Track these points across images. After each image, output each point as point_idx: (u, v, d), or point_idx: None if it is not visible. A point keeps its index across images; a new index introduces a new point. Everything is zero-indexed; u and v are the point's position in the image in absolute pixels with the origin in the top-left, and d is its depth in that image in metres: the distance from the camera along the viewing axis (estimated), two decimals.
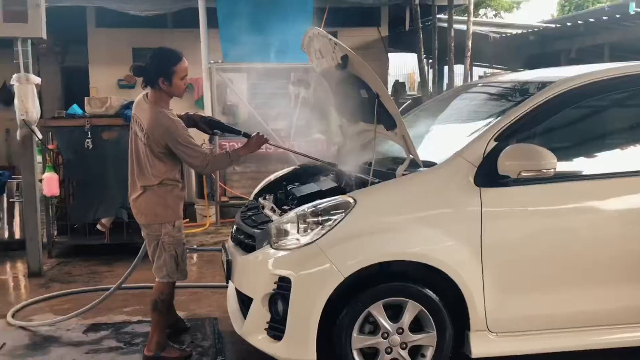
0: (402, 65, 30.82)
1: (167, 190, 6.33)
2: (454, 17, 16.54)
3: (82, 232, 11.01)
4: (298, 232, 5.65)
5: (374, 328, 5.57)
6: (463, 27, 16.89)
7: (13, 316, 7.68)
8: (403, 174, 5.72)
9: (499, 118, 5.84)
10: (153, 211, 6.35)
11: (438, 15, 16.69)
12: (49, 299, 8.46)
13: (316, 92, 13.80)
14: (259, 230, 6.09)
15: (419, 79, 19.01)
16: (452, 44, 16.14)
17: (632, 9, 14.86)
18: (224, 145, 12.75)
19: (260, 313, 5.69)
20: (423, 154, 5.92)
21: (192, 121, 6.79)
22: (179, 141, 6.13)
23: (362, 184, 5.98)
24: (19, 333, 7.34)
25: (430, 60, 18.31)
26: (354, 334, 5.50)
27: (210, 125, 6.93)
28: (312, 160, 7.38)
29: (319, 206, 5.67)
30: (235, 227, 6.76)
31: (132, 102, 10.40)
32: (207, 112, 13.46)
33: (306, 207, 5.73)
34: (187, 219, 9.55)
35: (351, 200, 5.55)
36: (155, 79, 6.18)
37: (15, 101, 9.27)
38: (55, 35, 17.90)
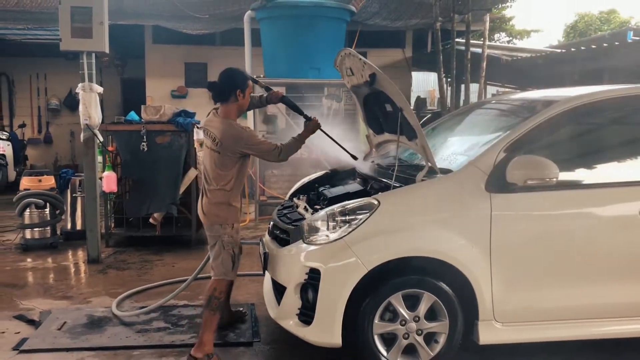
0: (424, 83, 30.71)
1: (230, 195, 6.22)
2: (471, 41, 16.46)
3: (136, 225, 11.11)
4: (328, 229, 5.69)
5: (393, 316, 5.60)
6: (479, 50, 16.83)
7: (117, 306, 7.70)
8: (422, 180, 5.73)
9: (509, 132, 5.84)
10: (215, 213, 6.23)
11: (457, 39, 16.61)
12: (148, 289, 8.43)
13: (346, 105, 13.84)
14: (293, 227, 6.12)
15: (438, 96, 18.95)
16: (469, 65, 16.07)
17: (630, 37, 14.79)
18: None
19: (292, 300, 5.74)
20: (440, 162, 5.97)
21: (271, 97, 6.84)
22: (249, 145, 6.12)
23: (386, 187, 6.00)
24: (78, 313, 7.40)
25: (449, 79, 18.24)
26: (376, 320, 5.54)
27: (282, 101, 6.86)
28: (341, 165, 7.38)
29: (346, 206, 5.70)
30: (272, 223, 6.78)
31: (183, 111, 10.56)
32: (249, 121, 13.49)
33: (335, 207, 5.77)
34: None
35: (375, 202, 5.58)
36: (231, 92, 6.19)
37: (80, 107, 9.36)
38: (117, 50, 18.09)
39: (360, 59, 6.25)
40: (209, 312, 6.19)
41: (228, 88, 6.23)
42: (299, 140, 6.48)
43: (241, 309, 7.30)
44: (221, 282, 6.27)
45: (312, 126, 6.58)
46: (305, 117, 6.79)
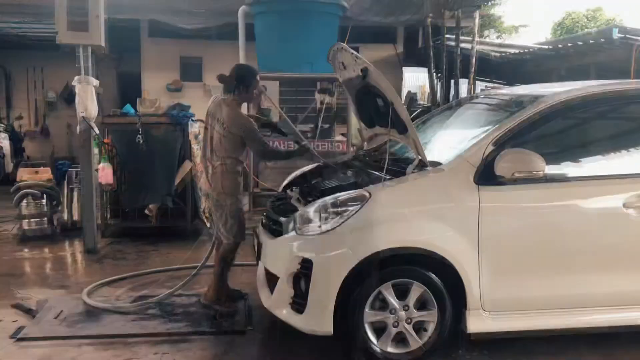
0: (415, 79, 30.67)
1: (234, 170, 6.94)
2: (461, 38, 16.49)
3: (131, 216, 11.08)
4: (320, 220, 5.72)
5: (383, 305, 5.64)
6: (468, 46, 16.83)
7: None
8: (412, 173, 5.76)
9: (497, 126, 5.88)
10: (221, 185, 6.90)
11: (447, 36, 16.61)
12: (127, 278, 8.51)
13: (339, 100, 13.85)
14: (286, 218, 6.16)
15: (428, 91, 18.96)
16: (459, 61, 16.10)
17: (615, 34, 14.78)
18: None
19: (285, 290, 5.77)
20: (430, 156, 5.98)
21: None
22: (250, 136, 6.88)
23: (377, 180, 6.02)
24: (75, 302, 7.42)
25: (439, 75, 18.25)
26: (366, 309, 5.58)
27: (268, 126, 7.99)
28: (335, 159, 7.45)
29: (338, 198, 5.73)
30: (265, 214, 6.83)
31: (178, 104, 10.60)
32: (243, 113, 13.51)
33: (327, 199, 5.80)
34: None
35: (367, 194, 5.61)
36: (237, 86, 6.96)
37: (76, 100, 9.35)
38: (113, 44, 17.96)
39: (352, 53, 6.27)
40: (221, 266, 7.14)
41: (234, 81, 6.97)
42: (284, 155, 7.74)
43: (238, 289, 7.56)
44: (231, 244, 7.03)
45: (300, 151, 7.41)
46: (296, 142, 7.92)
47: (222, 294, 7.15)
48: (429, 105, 18.60)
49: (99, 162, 10.31)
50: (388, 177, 5.92)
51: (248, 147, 6.99)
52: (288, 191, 6.98)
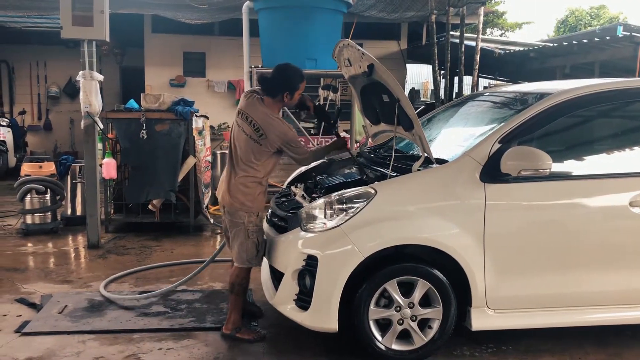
0: (418, 75, 30.74)
1: (260, 184, 6.31)
2: (465, 34, 16.50)
3: (135, 211, 11.13)
4: (325, 217, 5.71)
5: (388, 302, 5.64)
6: (472, 43, 16.87)
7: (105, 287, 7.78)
8: (418, 169, 5.76)
9: (503, 123, 5.87)
10: (242, 200, 6.23)
11: (451, 32, 16.61)
12: (137, 272, 8.58)
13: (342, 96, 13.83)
14: (291, 215, 6.15)
15: (432, 88, 18.99)
16: (463, 58, 16.10)
17: (620, 32, 14.82)
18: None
19: (290, 286, 5.77)
20: (436, 153, 5.98)
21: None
22: (290, 144, 6.19)
23: (382, 177, 6.02)
24: (79, 297, 7.43)
25: (443, 71, 18.26)
26: (371, 306, 5.58)
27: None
28: (339, 155, 7.42)
29: (344, 195, 5.72)
30: (270, 211, 6.79)
31: (182, 99, 10.55)
32: None
33: (333, 196, 5.79)
34: None
35: (372, 191, 5.61)
36: (280, 91, 6.24)
37: (80, 95, 9.39)
38: (116, 39, 18.05)
39: (358, 49, 6.25)
40: (234, 296, 6.37)
41: (278, 87, 6.27)
42: (324, 152, 6.78)
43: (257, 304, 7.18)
44: (243, 270, 6.34)
45: (339, 144, 6.82)
46: (335, 133, 7.08)
47: (240, 323, 6.43)
48: (432, 102, 18.64)
49: (103, 157, 10.33)
50: (393, 174, 5.91)
51: (290, 157, 6.49)
52: (293, 187, 6.97)
